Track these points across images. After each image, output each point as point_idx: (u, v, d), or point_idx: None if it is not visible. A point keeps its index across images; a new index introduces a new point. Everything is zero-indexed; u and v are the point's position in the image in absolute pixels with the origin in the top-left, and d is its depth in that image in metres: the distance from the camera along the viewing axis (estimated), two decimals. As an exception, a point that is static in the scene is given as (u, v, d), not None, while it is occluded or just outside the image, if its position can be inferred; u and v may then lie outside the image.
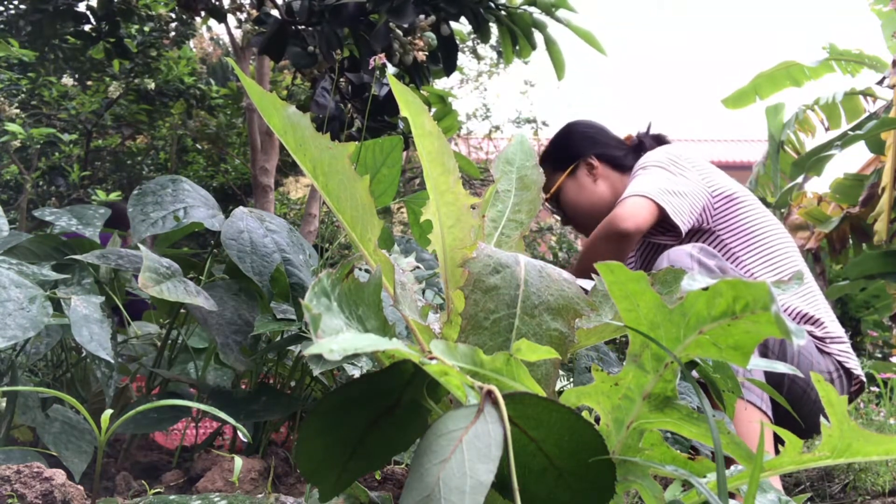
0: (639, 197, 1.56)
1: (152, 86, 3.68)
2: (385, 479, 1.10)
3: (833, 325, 1.54)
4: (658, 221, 1.57)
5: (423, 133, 0.78)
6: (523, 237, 0.97)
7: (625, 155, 1.84)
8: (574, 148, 1.85)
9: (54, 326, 1.08)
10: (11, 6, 3.29)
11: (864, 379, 1.56)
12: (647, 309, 0.56)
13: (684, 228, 1.55)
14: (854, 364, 1.52)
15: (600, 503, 0.57)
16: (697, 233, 1.62)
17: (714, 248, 1.61)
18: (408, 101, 0.76)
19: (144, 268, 0.97)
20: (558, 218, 1.94)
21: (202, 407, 0.86)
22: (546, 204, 1.91)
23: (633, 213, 1.53)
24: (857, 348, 5.66)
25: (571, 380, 1.12)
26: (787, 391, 1.43)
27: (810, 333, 1.51)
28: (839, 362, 1.50)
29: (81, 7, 3.08)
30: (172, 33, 3.74)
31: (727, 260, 1.59)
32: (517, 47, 2.40)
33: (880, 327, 5.96)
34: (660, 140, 1.88)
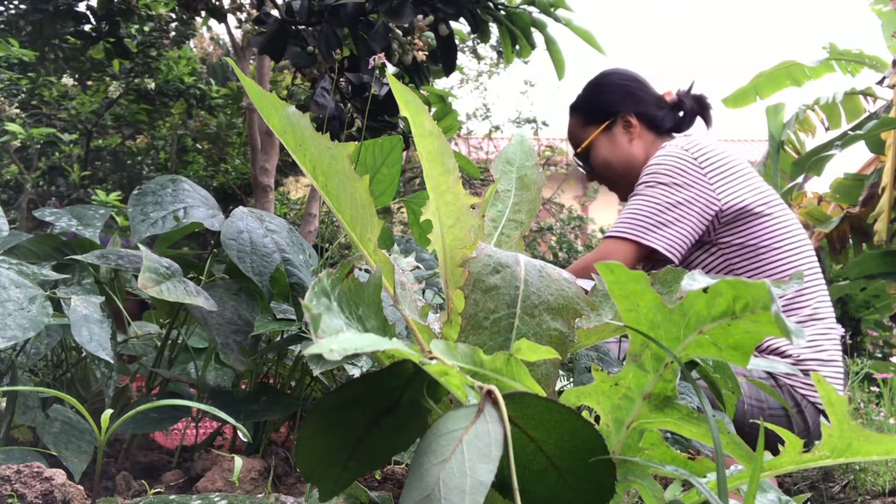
0: (620, 240, 1.51)
1: (152, 86, 3.68)
2: (385, 479, 1.11)
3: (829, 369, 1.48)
4: (649, 251, 1.51)
5: (423, 133, 0.78)
6: (523, 237, 0.97)
7: (663, 115, 1.73)
8: (612, 102, 1.73)
9: (54, 326, 1.08)
10: (11, 6, 3.29)
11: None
12: (647, 309, 0.56)
13: (676, 259, 1.50)
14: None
15: (600, 503, 0.57)
16: (698, 243, 1.57)
17: (714, 261, 1.55)
18: (408, 101, 0.76)
19: (144, 268, 0.97)
20: (585, 172, 1.81)
21: (202, 407, 0.86)
22: (574, 158, 1.83)
23: (613, 260, 1.49)
24: (858, 348, 5.65)
25: (571, 380, 1.12)
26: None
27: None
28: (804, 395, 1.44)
29: (81, 7, 3.09)
30: (172, 33, 3.74)
31: (725, 275, 1.52)
32: (517, 47, 2.41)
33: (880, 327, 5.95)
34: (700, 102, 1.76)
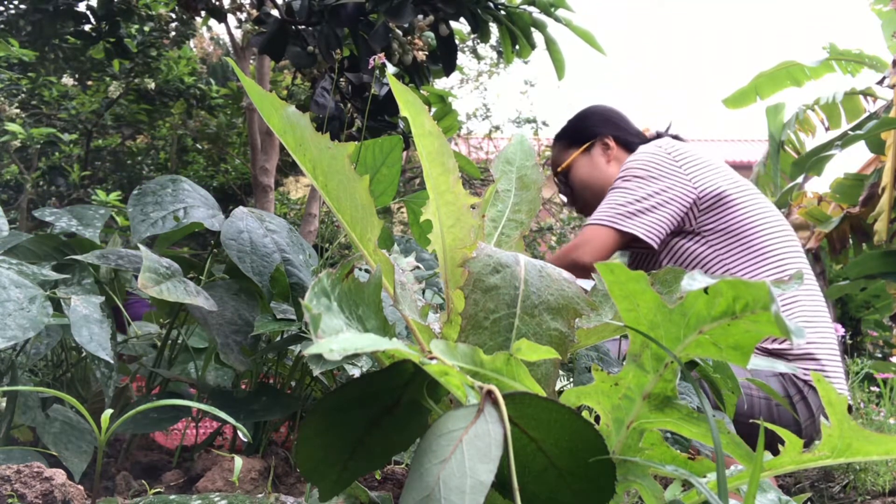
0: (599, 227, 1.57)
1: (152, 86, 3.68)
2: (385, 478, 1.11)
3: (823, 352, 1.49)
4: (629, 239, 1.56)
5: (423, 133, 0.78)
6: (523, 237, 0.97)
7: (641, 144, 1.80)
8: (593, 126, 1.84)
9: (54, 326, 1.08)
10: (11, 6, 3.29)
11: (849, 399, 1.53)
12: (647, 309, 0.56)
13: (655, 244, 1.54)
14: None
15: (600, 503, 0.57)
16: (681, 234, 1.60)
17: (700, 248, 1.57)
18: (408, 101, 0.75)
19: (144, 268, 0.97)
20: (564, 198, 1.92)
21: (202, 407, 0.86)
22: (554, 179, 1.92)
23: (592, 245, 1.54)
24: (858, 348, 5.65)
25: (571, 380, 1.12)
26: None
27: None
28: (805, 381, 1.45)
29: (81, 7, 3.09)
30: (172, 33, 3.74)
31: (711, 263, 1.56)
32: (517, 47, 2.40)
33: (880, 327, 5.95)
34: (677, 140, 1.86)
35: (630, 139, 1.82)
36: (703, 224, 1.58)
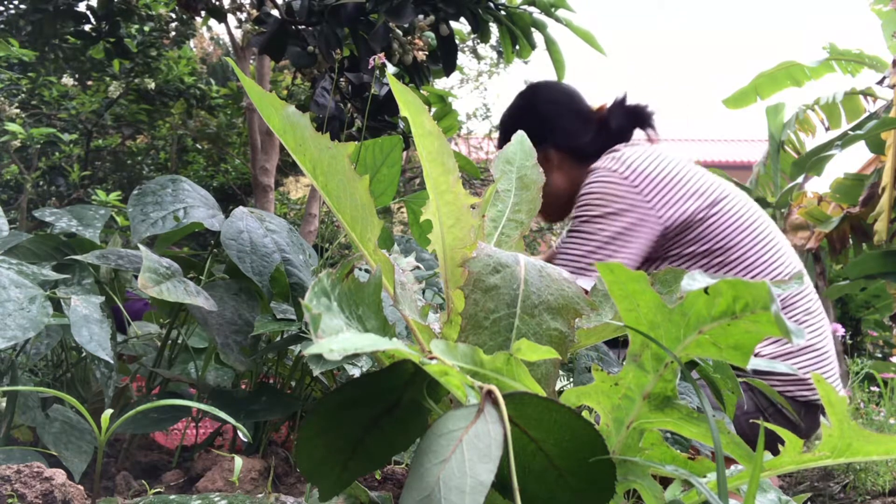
0: None
1: (152, 86, 3.68)
2: (385, 478, 1.11)
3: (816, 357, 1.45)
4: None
5: (423, 133, 0.78)
6: (523, 237, 0.97)
7: (588, 141, 1.63)
8: (532, 131, 1.66)
9: (54, 326, 1.08)
10: (11, 6, 3.29)
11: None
12: (647, 309, 0.56)
13: None
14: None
15: (600, 503, 0.57)
16: (646, 261, 1.49)
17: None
18: (408, 101, 0.75)
19: (144, 268, 0.97)
20: None
21: (202, 407, 0.86)
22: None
23: None
24: (858, 348, 5.66)
25: (571, 380, 1.12)
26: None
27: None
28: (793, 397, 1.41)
29: (81, 7, 3.09)
30: (172, 33, 3.74)
31: None
32: (517, 47, 2.40)
33: (880, 327, 5.96)
34: (637, 114, 1.66)
35: (572, 144, 1.63)
36: (669, 250, 1.47)
